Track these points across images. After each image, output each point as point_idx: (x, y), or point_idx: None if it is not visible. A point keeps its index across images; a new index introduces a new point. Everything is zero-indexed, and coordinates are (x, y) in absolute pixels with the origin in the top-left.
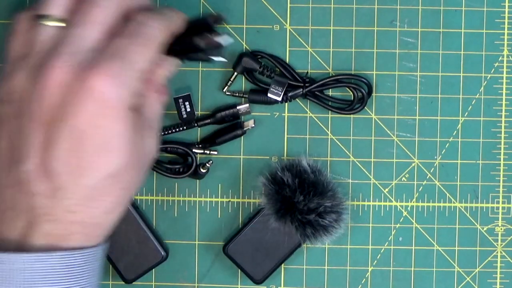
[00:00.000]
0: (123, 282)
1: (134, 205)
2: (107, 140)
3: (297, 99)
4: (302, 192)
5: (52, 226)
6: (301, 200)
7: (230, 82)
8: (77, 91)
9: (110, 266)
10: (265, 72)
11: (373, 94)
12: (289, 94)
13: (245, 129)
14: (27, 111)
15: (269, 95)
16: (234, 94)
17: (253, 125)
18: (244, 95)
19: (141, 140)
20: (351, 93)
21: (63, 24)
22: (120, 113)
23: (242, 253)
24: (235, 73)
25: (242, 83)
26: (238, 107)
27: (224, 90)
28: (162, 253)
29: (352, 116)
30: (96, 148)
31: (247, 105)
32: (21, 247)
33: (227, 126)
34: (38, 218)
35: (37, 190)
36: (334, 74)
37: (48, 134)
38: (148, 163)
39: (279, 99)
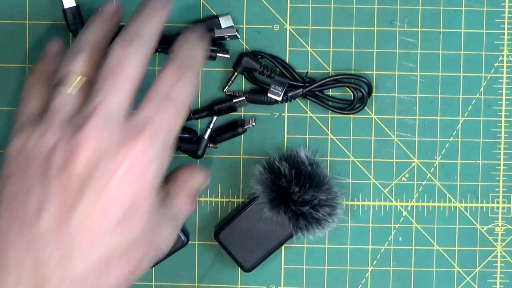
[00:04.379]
0: None
1: None
2: (128, 211)
3: (297, 99)
4: (298, 183)
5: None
6: (296, 191)
7: (230, 82)
8: (109, 160)
9: None
10: (265, 72)
11: (373, 94)
12: (289, 94)
13: (245, 127)
14: (52, 171)
15: (269, 95)
16: (234, 94)
17: (254, 124)
18: (244, 95)
19: (158, 226)
20: (351, 93)
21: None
22: (147, 189)
23: (233, 240)
24: (235, 73)
25: (242, 83)
26: (234, 100)
27: (225, 90)
28: (183, 238)
29: (352, 116)
30: (116, 218)
31: (244, 98)
32: None
33: (228, 124)
34: (48, 284)
35: (48, 253)
36: (334, 74)
37: (72, 197)
38: (160, 254)
39: (279, 99)
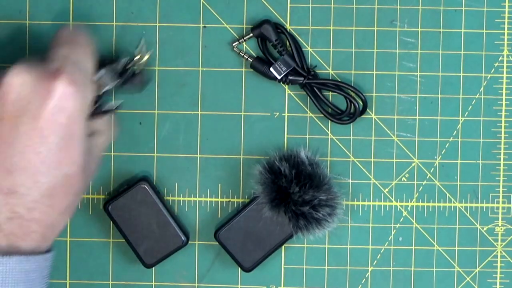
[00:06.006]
0: (143, 267)
1: (155, 189)
2: (66, 140)
3: (297, 99)
4: (298, 183)
5: (13, 224)
6: (296, 191)
7: (242, 40)
8: (39, 92)
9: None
10: (278, 47)
11: (373, 94)
12: (290, 78)
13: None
14: None
15: (271, 69)
16: (240, 52)
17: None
18: (249, 59)
19: (90, 149)
20: (346, 103)
21: None
22: (79, 116)
23: (233, 240)
24: (251, 34)
25: (251, 49)
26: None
27: (234, 45)
28: (183, 238)
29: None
30: (56, 148)
31: (115, 104)
32: None
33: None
34: None
35: None
36: (338, 80)
37: (9, 130)
38: (92, 175)
39: (279, 77)
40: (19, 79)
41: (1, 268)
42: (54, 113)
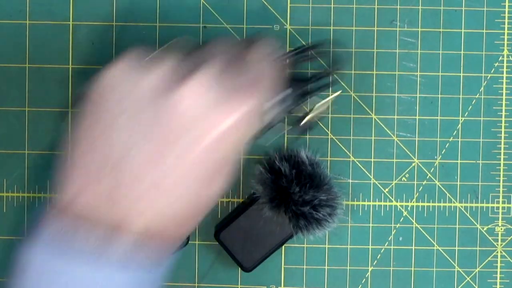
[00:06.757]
0: None
1: None
2: (219, 165)
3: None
4: (298, 183)
5: (130, 243)
6: (296, 191)
7: None
8: (206, 116)
9: None
10: None
11: (373, 94)
12: None
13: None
14: (151, 110)
15: None
16: None
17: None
18: None
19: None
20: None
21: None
22: (240, 147)
23: (234, 240)
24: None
25: None
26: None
27: None
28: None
29: (352, 116)
30: (202, 179)
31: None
32: (96, 259)
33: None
34: (120, 232)
35: (126, 202)
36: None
37: (166, 140)
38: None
39: None
40: (197, 91)
41: (117, 281)
42: (216, 144)
